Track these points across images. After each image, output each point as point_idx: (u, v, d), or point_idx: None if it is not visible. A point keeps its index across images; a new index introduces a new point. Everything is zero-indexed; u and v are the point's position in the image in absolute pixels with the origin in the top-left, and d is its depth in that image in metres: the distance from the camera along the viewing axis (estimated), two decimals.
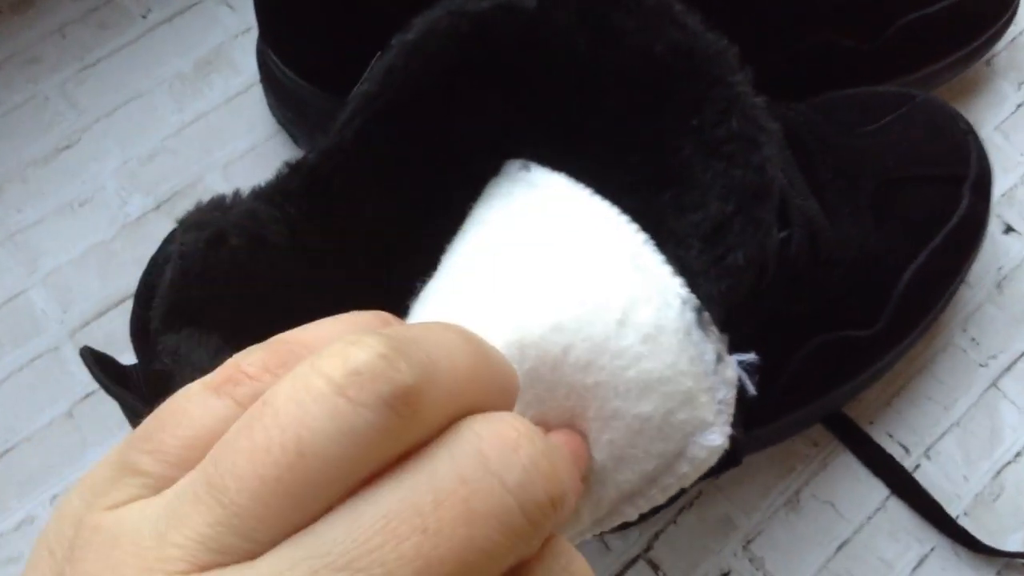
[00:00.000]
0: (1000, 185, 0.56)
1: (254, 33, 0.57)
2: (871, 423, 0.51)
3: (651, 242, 0.29)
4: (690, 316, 0.28)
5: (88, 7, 0.61)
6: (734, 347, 0.40)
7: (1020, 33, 0.61)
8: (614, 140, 0.34)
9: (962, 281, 0.51)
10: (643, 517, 0.32)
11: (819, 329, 0.45)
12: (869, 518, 0.49)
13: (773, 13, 0.52)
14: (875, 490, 0.50)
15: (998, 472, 0.50)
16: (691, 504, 0.49)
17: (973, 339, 0.53)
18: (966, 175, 0.48)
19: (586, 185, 0.33)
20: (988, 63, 0.60)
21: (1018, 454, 0.51)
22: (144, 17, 0.62)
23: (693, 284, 0.30)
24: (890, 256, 0.46)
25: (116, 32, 0.61)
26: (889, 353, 0.48)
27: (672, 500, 0.44)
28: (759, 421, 0.46)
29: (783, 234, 0.42)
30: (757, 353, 0.44)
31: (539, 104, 0.35)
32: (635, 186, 0.34)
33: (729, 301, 0.30)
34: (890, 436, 0.51)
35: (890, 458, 0.50)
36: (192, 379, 0.20)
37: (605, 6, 0.32)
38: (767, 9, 0.52)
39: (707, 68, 0.30)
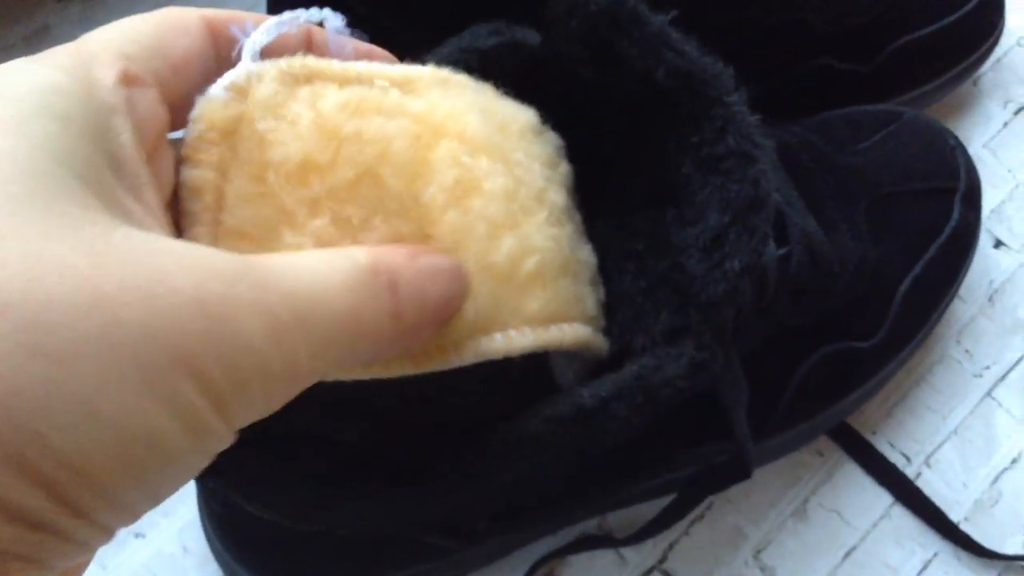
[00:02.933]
0: (989, 201, 0.58)
1: None
2: (873, 433, 0.53)
3: None
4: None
5: None
6: (743, 362, 0.42)
7: (1005, 54, 0.63)
8: (619, 162, 0.36)
9: (956, 292, 0.52)
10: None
11: (822, 341, 0.47)
12: (874, 525, 0.51)
13: (774, 39, 0.54)
14: (879, 498, 0.51)
15: (996, 478, 0.52)
16: (702, 516, 0.51)
17: (967, 351, 0.55)
18: (956, 187, 0.50)
19: (594, 206, 0.35)
20: (975, 83, 0.62)
21: (1014, 461, 0.52)
22: None
23: (695, 289, 0.32)
24: (887, 268, 0.48)
25: None
26: (890, 363, 0.50)
27: (685, 513, 0.46)
28: (769, 433, 0.48)
29: (783, 251, 0.44)
30: (765, 366, 0.45)
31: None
32: (640, 205, 0.36)
33: (729, 306, 0.31)
34: (892, 445, 0.52)
35: (893, 467, 0.51)
36: None
37: (609, 34, 0.34)
38: (769, 36, 0.54)
39: (705, 89, 0.32)
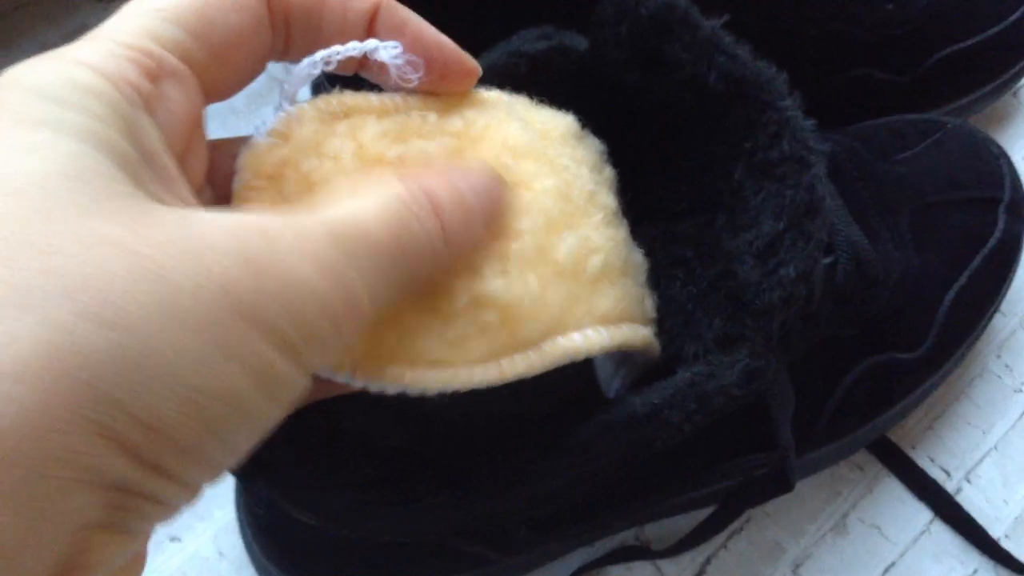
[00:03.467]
0: None
1: None
2: (913, 448, 0.52)
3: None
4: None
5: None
6: (790, 370, 0.41)
7: None
8: (662, 169, 0.36)
9: (1000, 305, 0.52)
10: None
11: (867, 352, 0.46)
12: (914, 541, 0.50)
13: (814, 49, 0.54)
14: (919, 513, 0.51)
15: None
16: (741, 529, 0.50)
17: (1007, 366, 0.54)
18: (1001, 197, 0.49)
19: (636, 212, 0.35)
20: (1015, 95, 0.62)
21: None
22: None
23: (749, 296, 0.31)
24: (932, 279, 0.47)
25: None
26: (934, 375, 0.49)
27: (724, 526, 0.45)
28: (811, 446, 0.47)
29: (828, 260, 0.44)
30: (809, 376, 0.45)
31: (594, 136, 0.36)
32: (686, 211, 0.35)
33: (783, 313, 0.31)
34: (931, 460, 0.52)
35: (933, 482, 0.51)
36: None
37: (659, 40, 0.34)
38: (808, 46, 0.54)
39: (758, 94, 0.32)
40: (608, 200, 0.32)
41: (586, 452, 0.32)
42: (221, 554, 0.49)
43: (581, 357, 0.29)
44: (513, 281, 0.28)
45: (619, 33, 0.35)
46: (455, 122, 0.30)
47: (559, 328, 0.29)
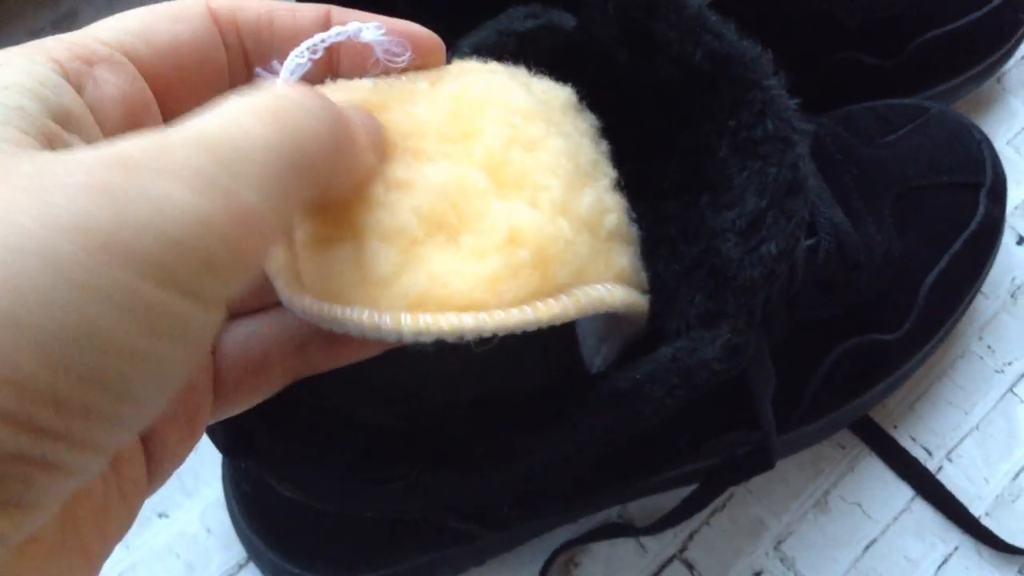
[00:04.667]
0: (1013, 197, 0.58)
1: None
2: (895, 427, 0.53)
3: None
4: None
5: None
6: (771, 353, 0.42)
7: None
8: (650, 148, 0.36)
9: (980, 288, 0.52)
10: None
11: (848, 333, 0.47)
12: (895, 518, 0.51)
13: (800, 32, 0.54)
14: (901, 492, 0.51)
15: (1017, 474, 0.52)
16: (723, 506, 0.51)
17: (989, 347, 0.55)
18: (982, 182, 0.50)
19: (623, 193, 0.35)
20: (999, 80, 0.62)
21: None
22: None
23: (731, 273, 0.32)
24: (913, 261, 0.48)
25: None
26: (915, 356, 0.50)
27: (706, 503, 0.46)
28: (793, 425, 0.48)
29: (811, 241, 0.44)
30: (791, 357, 0.45)
31: None
32: (672, 190, 0.36)
33: (765, 289, 0.31)
34: (913, 439, 0.52)
35: (914, 461, 0.51)
36: None
37: (646, 18, 0.34)
38: (794, 28, 0.54)
39: (743, 73, 0.32)
40: (609, 170, 0.32)
41: (571, 428, 0.32)
42: (208, 531, 0.49)
43: (604, 309, 0.28)
44: (546, 221, 0.27)
45: (606, 11, 0.35)
46: (450, 86, 0.29)
47: (584, 278, 0.28)
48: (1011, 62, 0.62)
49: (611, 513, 0.50)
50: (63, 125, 0.23)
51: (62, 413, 0.18)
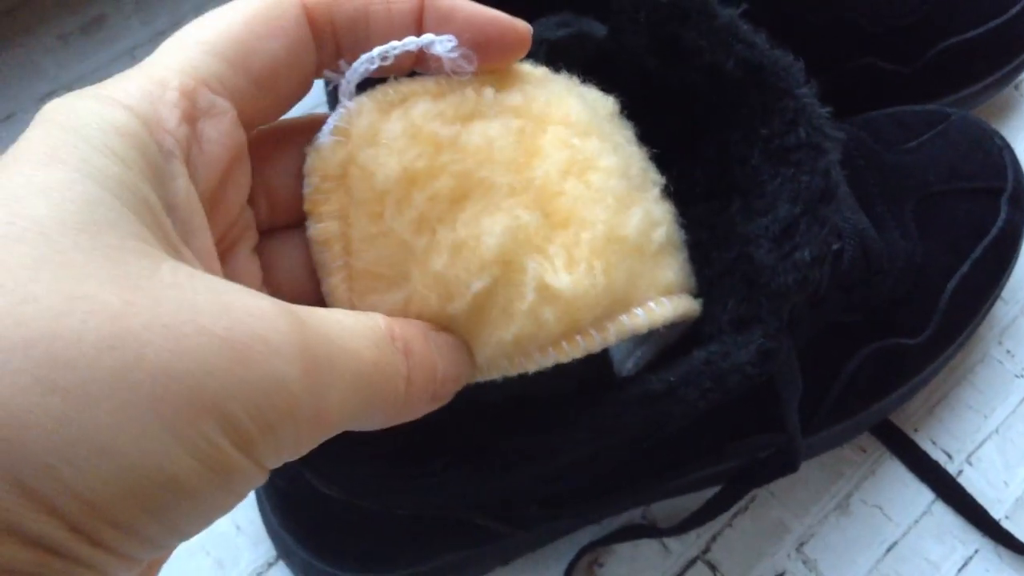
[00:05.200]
0: None
1: None
2: (916, 431, 0.53)
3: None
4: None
5: (156, 30, 0.64)
6: (796, 354, 0.42)
7: None
8: (680, 155, 0.37)
9: (1001, 292, 0.53)
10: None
11: (871, 338, 0.47)
12: (916, 521, 0.51)
13: (819, 38, 0.55)
14: (921, 494, 0.52)
15: None
16: (746, 508, 0.51)
17: (1008, 351, 0.55)
18: (1003, 188, 0.50)
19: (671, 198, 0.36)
20: (1017, 87, 0.63)
21: None
22: None
23: (764, 279, 0.32)
24: (935, 266, 0.48)
25: None
26: (936, 360, 0.50)
27: (729, 505, 0.46)
28: (816, 428, 0.48)
29: (836, 247, 0.45)
30: (815, 361, 0.46)
31: None
32: (702, 196, 0.36)
33: (799, 295, 0.32)
34: (934, 443, 0.53)
35: (935, 464, 0.52)
36: None
37: (676, 27, 0.34)
38: (813, 35, 0.54)
39: (775, 81, 0.33)
40: (656, 177, 0.33)
41: (601, 429, 0.33)
42: (238, 528, 0.50)
43: (644, 330, 0.29)
44: (580, 275, 0.28)
45: (637, 20, 0.35)
46: (515, 97, 0.30)
47: (622, 307, 0.29)
48: None
49: (635, 514, 0.51)
50: (171, 212, 0.24)
51: (119, 533, 0.19)
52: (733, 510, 0.51)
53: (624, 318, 0.29)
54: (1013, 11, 0.58)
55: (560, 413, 0.33)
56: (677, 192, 0.36)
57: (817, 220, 0.32)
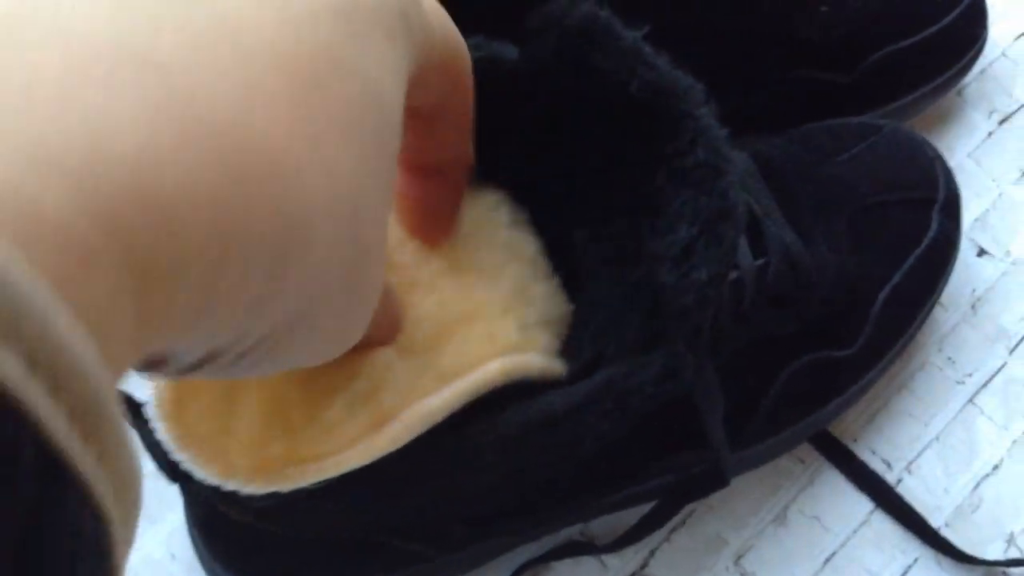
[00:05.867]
0: (973, 210, 0.59)
1: None
2: (855, 440, 0.53)
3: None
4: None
5: None
6: (722, 371, 0.42)
7: (990, 64, 0.64)
8: (597, 173, 0.37)
9: (937, 302, 0.53)
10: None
11: (802, 350, 0.47)
12: (855, 531, 0.51)
13: (757, 50, 0.55)
14: (860, 504, 0.52)
15: (976, 485, 0.52)
16: (684, 523, 0.51)
17: (949, 358, 0.55)
18: (935, 198, 0.50)
19: (574, 216, 0.36)
20: (959, 93, 0.63)
21: (995, 467, 0.53)
22: None
23: (666, 299, 0.32)
24: (867, 278, 0.49)
25: None
26: (871, 371, 0.50)
27: (665, 521, 0.46)
28: (749, 441, 0.48)
29: (760, 261, 0.45)
30: (745, 374, 0.46)
31: (526, 142, 0.37)
32: (617, 215, 0.36)
33: (699, 315, 0.32)
34: (873, 452, 0.53)
35: (873, 474, 0.52)
36: None
37: (584, 50, 0.35)
38: (751, 46, 0.54)
39: (676, 103, 0.33)
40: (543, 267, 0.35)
41: (506, 451, 0.33)
42: (173, 556, 0.49)
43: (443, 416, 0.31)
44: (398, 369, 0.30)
45: (547, 43, 0.36)
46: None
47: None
48: (971, 75, 0.62)
49: (573, 531, 0.51)
50: None
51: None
52: (671, 525, 0.51)
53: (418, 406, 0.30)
54: (947, 19, 0.58)
55: (464, 435, 0.33)
56: (594, 210, 0.37)
57: (714, 240, 0.32)
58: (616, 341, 0.34)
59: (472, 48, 0.37)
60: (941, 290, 0.52)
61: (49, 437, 0.13)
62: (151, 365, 0.20)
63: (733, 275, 0.44)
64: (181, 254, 0.17)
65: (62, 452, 0.13)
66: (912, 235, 0.50)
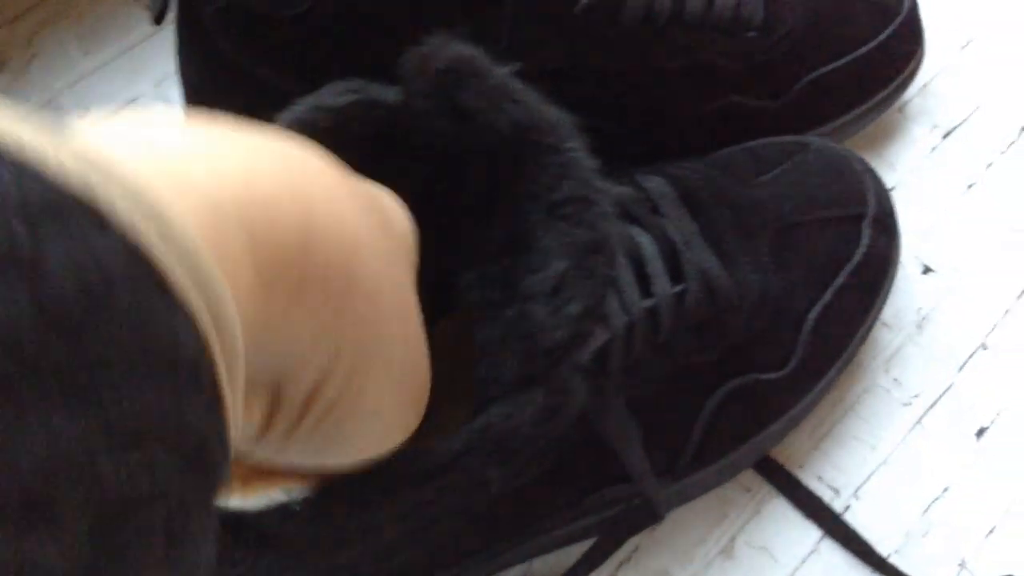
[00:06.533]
0: (917, 226, 0.58)
1: None
2: (801, 467, 0.52)
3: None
4: None
5: None
6: (645, 401, 0.42)
7: (930, 80, 0.63)
8: (477, 212, 0.37)
9: (878, 320, 0.52)
10: None
11: (729, 375, 0.47)
12: (803, 561, 0.50)
13: (679, 83, 0.54)
14: (808, 533, 0.51)
15: (926, 508, 0.51)
16: (629, 558, 0.50)
17: (895, 379, 0.54)
18: (864, 213, 0.50)
19: (460, 259, 0.36)
20: (901, 110, 0.63)
21: (945, 490, 0.51)
22: None
23: (541, 336, 0.32)
24: (793, 298, 0.48)
25: None
26: (808, 393, 0.49)
27: (604, 558, 0.46)
28: (683, 472, 0.48)
29: (677, 288, 0.44)
30: (671, 404, 0.45)
31: (410, 185, 0.37)
32: (497, 254, 0.36)
33: (575, 350, 0.32)
34: (819, 479, 0.52)
35: (820, 501, 0.51)
36: None
37: (454, 89, 0.34)
38: (673, 80, 0.54)
39: (543, 138, 0.33)
40: None
41: (396, 507, 0.32)
42: None
43: None
44: None
45: (420, 85, 0.35)
46: None
47: None
48: (912, 91, 0.62)
49: (517, 572, 0.50)
50: None
51: None
52: (617, 560, 0.50)
53: None
54: (879, 39, 0.58)
55: (347, 490, 0.32)
56: (479, 250, 0.36)
57: (586, 272, 0.31)
58: (500, 383, 0.33)
59: (349, 91, 0.37)
60: (880, 308, 0.51)
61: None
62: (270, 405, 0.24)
63: (648, 303, 0.44)
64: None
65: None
66: (842, 252, 0.49)
